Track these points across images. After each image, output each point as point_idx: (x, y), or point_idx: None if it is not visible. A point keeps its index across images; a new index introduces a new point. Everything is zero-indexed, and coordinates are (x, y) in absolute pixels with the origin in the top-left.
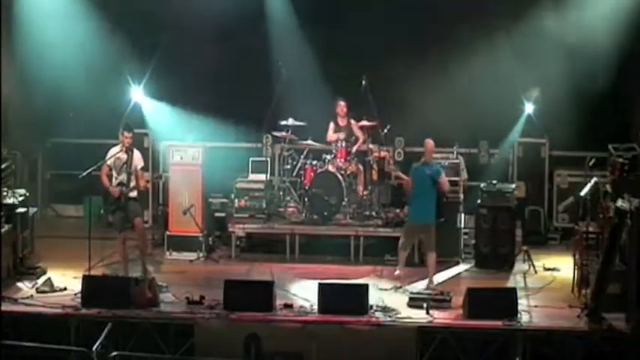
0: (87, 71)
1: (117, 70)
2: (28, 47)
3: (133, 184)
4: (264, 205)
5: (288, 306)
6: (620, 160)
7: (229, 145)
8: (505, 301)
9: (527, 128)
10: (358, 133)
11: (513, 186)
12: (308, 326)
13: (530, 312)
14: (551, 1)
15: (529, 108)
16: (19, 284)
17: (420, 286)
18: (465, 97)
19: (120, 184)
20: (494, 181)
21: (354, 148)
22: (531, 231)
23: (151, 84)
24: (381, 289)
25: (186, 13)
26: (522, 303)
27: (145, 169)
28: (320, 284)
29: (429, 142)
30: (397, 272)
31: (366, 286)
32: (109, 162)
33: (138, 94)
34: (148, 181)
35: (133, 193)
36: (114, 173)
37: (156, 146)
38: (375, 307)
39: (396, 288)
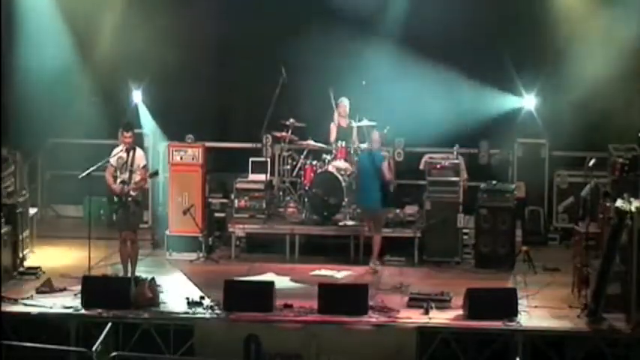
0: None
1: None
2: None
3: (133, 182)
4: (264, 206)
5: (288, 306)
6: (620, 160)
7: (229, 145)
8: (505, 301)
9: (528, 128)
10: (357, 137)
11: (513, 186)
12: (308, 326)
13: (530, 312)
14: None
15: (530, 103)
16: (19, 284)
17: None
18: (466, 96)
19: (122, 182)
20: (494, 181)
21: (354, 149)
22: (531, 231)
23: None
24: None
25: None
26: (522, 303)
27: (147, 167)
28: (320, 284)
29: (375, 133)
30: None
31: (365, 286)
32: (112, 161)
33: (138, 96)
34: (145, 179)
35: (135, 193)
36: (118, 173)
37: (156, 146)
38: (375, 307)
39: (396, 288)
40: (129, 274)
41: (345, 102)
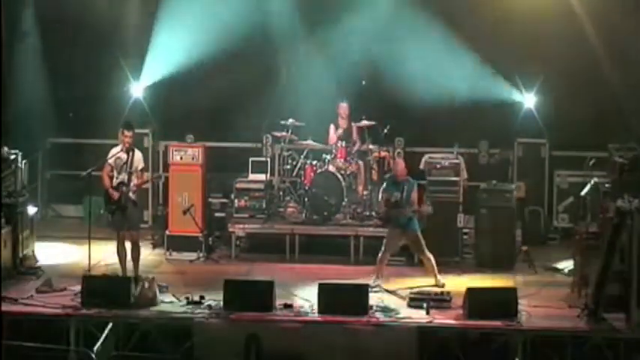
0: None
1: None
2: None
3: (133, 184)
4: (264, 205)
5: (288, 306)
6: (620, 160)
7: (229, 145)
8: (505, 301)
9: (528, 128)
10: (358, 137)
11: (513, 186)
12: (308, 326)
13: (530, 312)
14: None
15: (529, 101)
16: (20, 284)
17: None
18: (466, 96)
19: (120, 183)
20: (494, 181)
21: (354, 149)
22: (531, 231)
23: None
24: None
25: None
26: (522, 303)
27: (145, 169)
28: (320, 284)
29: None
30: None
31: (366, 286)
32: (110, 161)
33: (138, 90)
34: (147, 181)
35: (133, 195)
36: (115, 173)
37: (156, 146)
38: (375, 307)
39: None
40: (127, 274)
41: (344, 103)
